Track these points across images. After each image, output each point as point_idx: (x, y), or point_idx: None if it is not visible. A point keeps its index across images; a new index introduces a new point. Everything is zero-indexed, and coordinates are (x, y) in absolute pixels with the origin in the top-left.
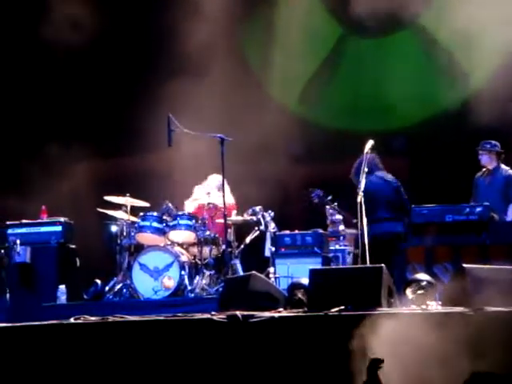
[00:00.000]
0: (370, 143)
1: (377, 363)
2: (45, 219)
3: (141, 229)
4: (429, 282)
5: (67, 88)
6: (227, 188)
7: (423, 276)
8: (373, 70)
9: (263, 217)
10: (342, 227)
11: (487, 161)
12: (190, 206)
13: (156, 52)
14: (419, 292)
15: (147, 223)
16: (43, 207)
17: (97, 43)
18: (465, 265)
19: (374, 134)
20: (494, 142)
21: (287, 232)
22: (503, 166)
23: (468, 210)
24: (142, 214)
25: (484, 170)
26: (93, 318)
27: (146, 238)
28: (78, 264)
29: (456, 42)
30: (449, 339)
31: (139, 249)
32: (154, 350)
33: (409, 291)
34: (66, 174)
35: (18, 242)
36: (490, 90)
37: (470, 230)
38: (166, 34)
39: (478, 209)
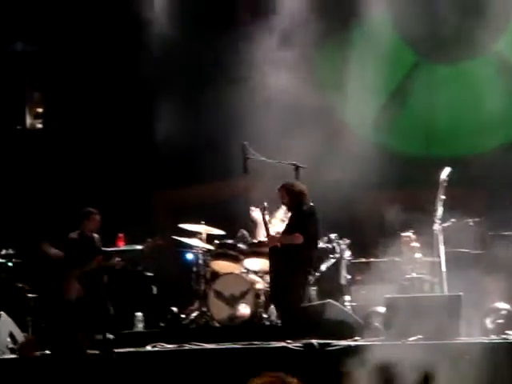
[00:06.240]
0: (447, 170)
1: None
2: (122, 247)
3: (216, 256)
4: (509, 312)
5: None
6: None
7: (503, 305)
8: (447, 97)
9: (338, 244)
10: (419, 255)
11: None
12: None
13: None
14: (499, 321)
15: (222, 251)
16: (120, 235)
17: None
18: None
19: (450, 162)
20: None
21: (363, 260)
22: None
23: None
24: (217, 241)
25: None
26: (169, 346)
27: (221, 265)
28: (155, 291)
29: None
30: None
31: (214, 276)
32: (230, 377)
33: (488, 321)
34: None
35: None
36: None
37: None
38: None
39: None
